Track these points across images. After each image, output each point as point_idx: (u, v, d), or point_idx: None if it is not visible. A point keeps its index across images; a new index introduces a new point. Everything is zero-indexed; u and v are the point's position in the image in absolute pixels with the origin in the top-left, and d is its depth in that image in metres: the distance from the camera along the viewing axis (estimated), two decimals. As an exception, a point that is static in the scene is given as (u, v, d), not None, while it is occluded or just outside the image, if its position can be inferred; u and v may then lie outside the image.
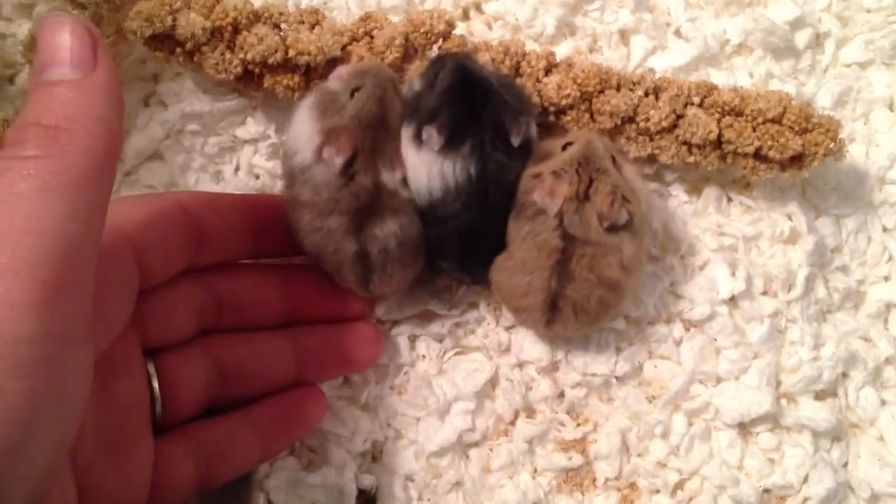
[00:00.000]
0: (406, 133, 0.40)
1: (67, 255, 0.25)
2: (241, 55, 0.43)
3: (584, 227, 0.39)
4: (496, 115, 0.40)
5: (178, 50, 0.44)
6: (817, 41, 0.52)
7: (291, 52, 0.43)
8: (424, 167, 0.40)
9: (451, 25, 0.44)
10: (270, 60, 0.43)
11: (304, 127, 0.39)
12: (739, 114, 0.44)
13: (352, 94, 0.39)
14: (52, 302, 0.24)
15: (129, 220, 0.34)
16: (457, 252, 0.41)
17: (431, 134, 0.39)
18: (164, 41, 0.44)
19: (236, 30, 0.43)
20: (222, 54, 0.43)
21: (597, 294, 0.40)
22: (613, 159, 0.41)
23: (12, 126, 0.27)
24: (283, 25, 0.44)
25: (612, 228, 0.39)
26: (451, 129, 0.39)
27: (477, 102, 0.40)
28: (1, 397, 0.23)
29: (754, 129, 0.44)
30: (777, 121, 0.44)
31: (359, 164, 0.38)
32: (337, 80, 0.41)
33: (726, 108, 0.44)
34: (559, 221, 0.39)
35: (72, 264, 0.25)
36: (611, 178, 0.40)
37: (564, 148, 0.42)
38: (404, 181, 0.40)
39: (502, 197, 0.41)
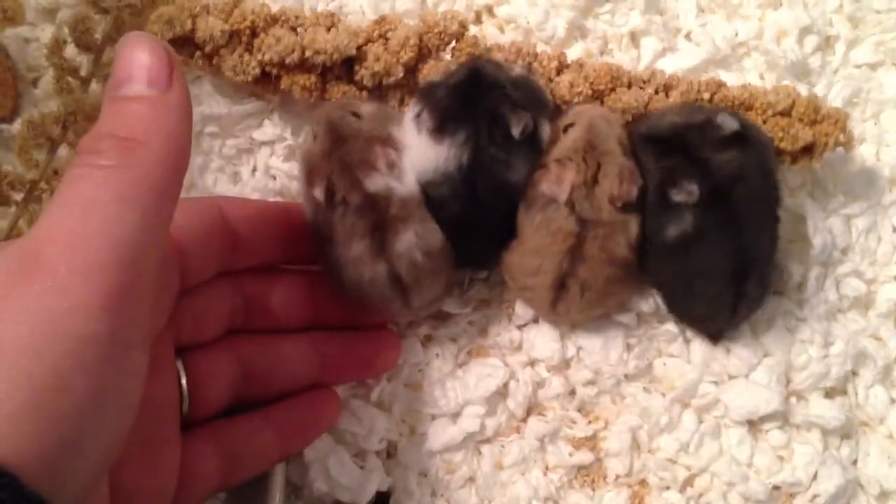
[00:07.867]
0: (412, 111, 0.42)
1: (136, 263, 0.26)
2: (259, 56, 0.44)
3: (596, 210, 0.40)
4: (493, 106, 0.40)
5: (198, 53, 0.45)
6: (827, 43, 0.52)
7: (308, 52, 0.44)
8: (421, 149, 0.41)
9: (464, 27, 0.45)
10: (287, 60, 0.44)
11: (302, 187, 0.41)
12: (749, 108, 0.45)
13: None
14: (119, 306, 0.25)
15: (173, 225, 0.35)
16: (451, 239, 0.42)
17: (424, 116, 0.41)
18: (184, 44, 0.44)
19: (254, 33, 0.44)
20: (240, 56, 0.44)
21: (606, 273, 0.41)
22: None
23: (87, 136, 0.27)
24: (299, 29, 0.45)
25: (625, 206, 0.40)
26: (443, 115, 0.40)
27: (479, 96, 0.41)
28: (67, 393, 0.24)
29: (765, 122, 0.44)
30: (786, 113, 0.44)
31: (340, 187, 0.39)
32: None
33: (736, 102, 0.44)
34: (571, 208, 0.40)
35: (139, 271, 0.26)
36: (617, 160, 0.41)
37: (565, 130, 0.42)
38: (390, 168, 0.40)
39: (493, 192, 0.41)
